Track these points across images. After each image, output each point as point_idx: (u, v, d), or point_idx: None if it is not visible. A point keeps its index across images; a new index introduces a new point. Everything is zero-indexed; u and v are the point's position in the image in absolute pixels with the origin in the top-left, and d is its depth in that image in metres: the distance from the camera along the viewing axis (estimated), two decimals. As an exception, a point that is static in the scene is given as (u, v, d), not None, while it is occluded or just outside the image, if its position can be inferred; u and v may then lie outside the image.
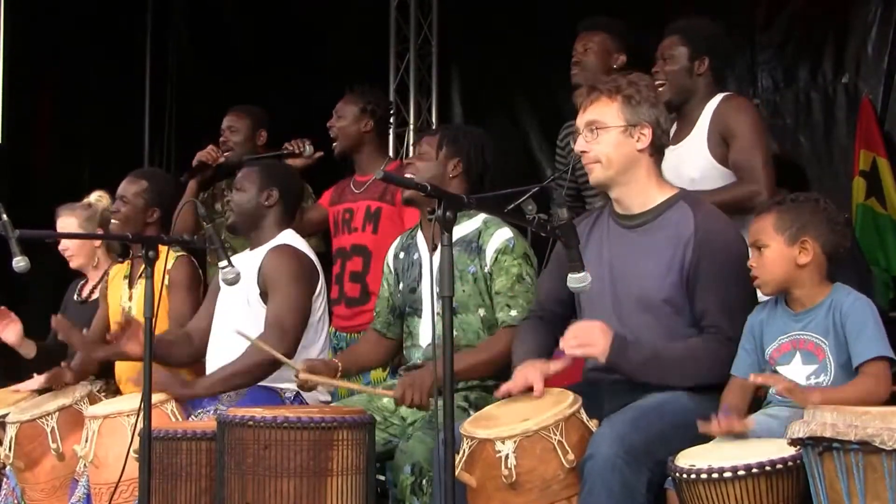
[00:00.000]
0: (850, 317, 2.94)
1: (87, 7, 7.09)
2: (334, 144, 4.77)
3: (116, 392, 4.46)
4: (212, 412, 3.85)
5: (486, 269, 3.64)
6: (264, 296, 3.97)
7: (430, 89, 7.43)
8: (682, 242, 3.13)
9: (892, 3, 5.64)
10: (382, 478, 3.82)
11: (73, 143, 7.31)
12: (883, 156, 5.55)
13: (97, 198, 4.90)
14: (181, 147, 7.36)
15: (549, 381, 3.21)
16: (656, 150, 3.22)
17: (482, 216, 3.73)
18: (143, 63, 7.73)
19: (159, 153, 7.75)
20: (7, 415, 4.29)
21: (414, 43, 7.36)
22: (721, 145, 3.86)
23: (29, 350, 4.69)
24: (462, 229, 3.69)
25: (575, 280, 2.89)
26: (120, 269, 4.58)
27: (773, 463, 2.69)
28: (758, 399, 3.12)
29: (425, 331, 3.75)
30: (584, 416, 2.99)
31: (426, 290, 3.77)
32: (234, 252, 4.22)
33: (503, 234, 3.66)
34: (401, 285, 3.89)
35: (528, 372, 3.13)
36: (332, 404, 3.97)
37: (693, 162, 3.84)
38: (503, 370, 3.53)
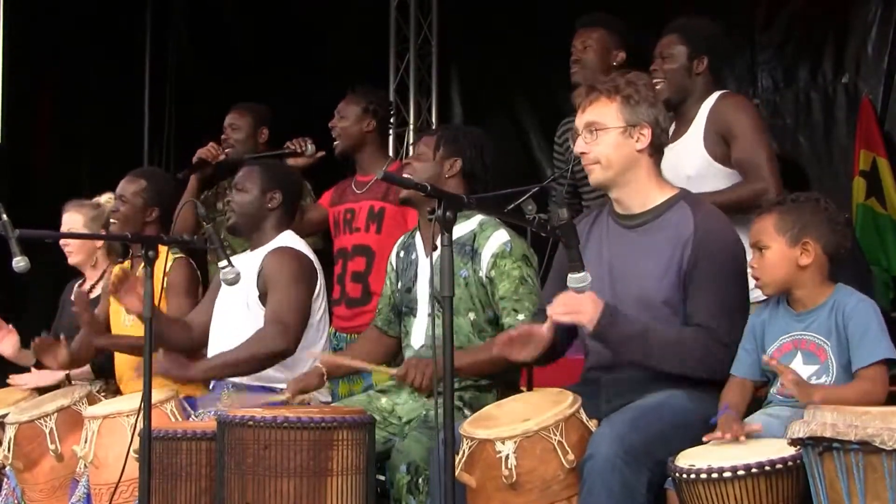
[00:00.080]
0: (853, 319, 2.93)
1: (87, 7, 7.09)
2: (336, 144, 4.76)
3: (116, 392, 4.47)
4: (212, 412, 3.85)
5: (480, 274, 3.62)
6: (263, 298, 3.97)
7: (429, 89, 7.43)
8: (682, 242, 3.13)
9: (892, 3, 5.64)
10: (382, 478, 3.82)
11: (72, 142, 7.31)
12: (883, 156, 5.55)
13: (107, 199, 4.90)
14: (181, 147, 7.35)
15: (550, 382, 3.21)
16: (656, 150, 3.22)
17: (478, 218, 3.71)
18: (143, 63, 7.72)
19: (159, 153, 7.74)
20: (6, 415, 4.29)
21: (414, 43, 7.36)
22: (718, 143, 3.86)
23: (27, 360, 4.70)
24: (456, 231, 3.66)
25: (575, 280, 2.90)
26: (120, 269, 4.57)
27: (772, 463, 2.69)
28: (758, 399, 3.12)
29: (418, 331, 3.75)
30: (583, 416, 2.99)
31: (421, 291, 3.77)
32: (234, 252, 4.22)
33: (500, 238, 3.64)
34: (399, 284, 3.89)
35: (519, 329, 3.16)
36: (332, 404, 3.97)
37: (689, 160, 3.83)
38: (504, 371, 3.54)
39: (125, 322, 4.40)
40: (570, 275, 2.90)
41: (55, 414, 4.16)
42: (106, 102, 7.32)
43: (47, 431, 4.12)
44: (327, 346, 4.16)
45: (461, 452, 2.97)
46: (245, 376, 3.92)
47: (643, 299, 3.14)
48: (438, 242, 2.71)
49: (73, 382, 4.62)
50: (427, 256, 3.77)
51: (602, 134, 3.18)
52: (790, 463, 2.68)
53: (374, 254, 4.56)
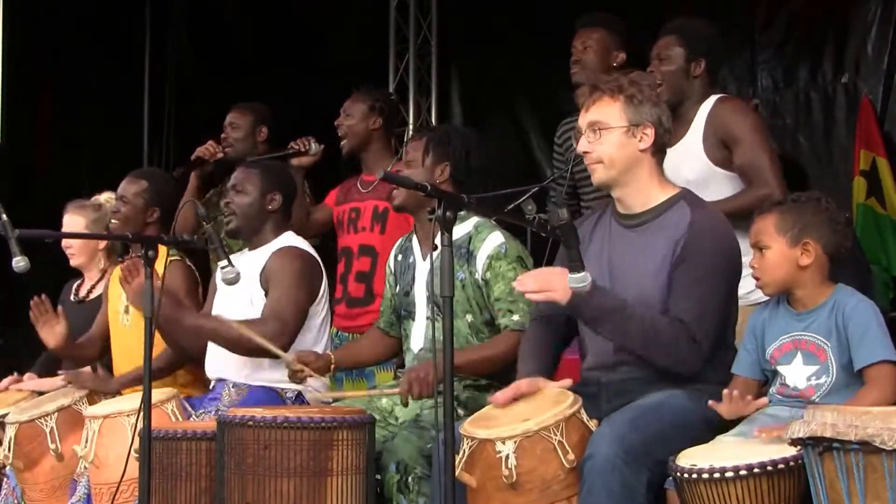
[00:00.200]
0: (853, 319, 2.94)
1: (87, 7, 7.09)
2: (342, 143, 4.75)
3: (116, 392, 4.46)
4: (212, 412, 3.85)
5: (476, 276, 3.63)
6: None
7: (429, 89, 7.42)
8: (676, 240, 3.12)
9: (891, 3, 5.64)
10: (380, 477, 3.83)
11: (72, 142, 7.31)
12: (882, 156, 5.54)
13: (106, 198, 4.89)
14: (181, 147, 7.33)
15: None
16: (658, 150, 3.22)
17: (473, 220, 3.72)
18: (143, 63, 7.71)
19: (159, 153, 7.74)
20: (6, 415, 4.29)
21: (413, 43, 7.35)
22: (718, 148, 3.86)
23: (51, 385, 4.64)
24: (453, 234, 3.67)
25: (575, 280, 2.89)
26: (119, 270, 4.57)
27: (774, 463, 2.69)
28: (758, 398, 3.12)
29: (417, 334, 3.76)
30: (584, 416, 2.99)
31: (419, 294, 3.78)
32: (232, 251, 4.21)
33: (494, 240, 3.65)
34: (397, 288, 3.89)
35: (524, 384, 3.14)
36: (332, 404, 3.97)
37: (689, 164, 3.83)
38: (502, 371, 3.53)
39: (123, 323, 4.41)
40: (569, 275, 2.90)
41: (55, 413, 4.16)
42: (106, 102, 7.31)
43: (48, 431, 4.12)
44: (328, 347, 4.16)
45: (461, 452, 2.97)
46: (226, 349, 3.91)
47: (642, 299, 3.14)
48: (438, 242, 2.71)
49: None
50: (424, 259, 3.78)
51: (605, 133, 3.18)
52: (792, 463, 2.69)
53: (378, 254, 4.56)
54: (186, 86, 7.75)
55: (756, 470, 2.69)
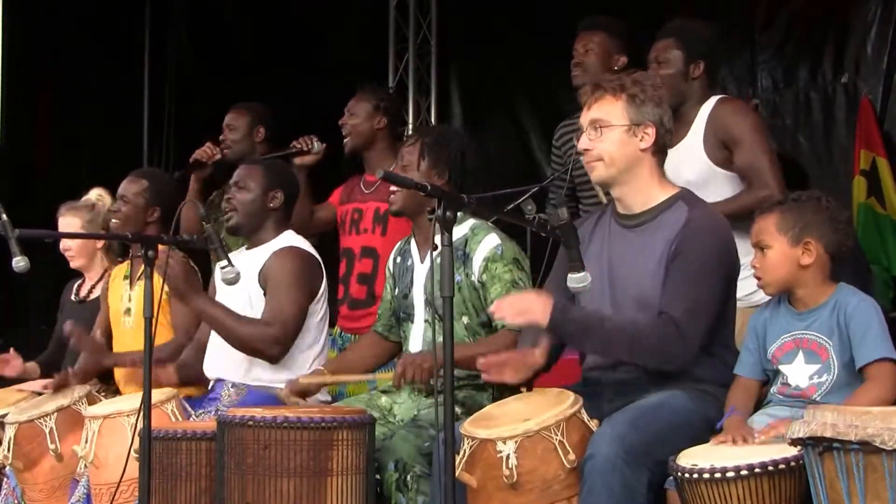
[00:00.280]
0: (854, 318, 2.94)
1: (87, 7, 7.09)
2: (346, 142, 4.74)
3: (116, 392, 4.46)
4: (212, 412, 3.85)
5: (473, 278, 3.63)
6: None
7: (429, 89, 7.42)
8: (672, 238, 3.12)
9: (891, 2, 5.64)
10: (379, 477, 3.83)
11: (72, 142, 7.31)
12: (882, 156, 5.55)
13: (97, 196, 4.89)
14: (180, 147, 7.34)
15: (549, 382, 3.21)
16: (659, 150, 3.21)
17: (469, 223, 3.72)
18: (143, 63, 7.72)
19: (159, 153, 7.74)
20: (6, 415, 4.29)
21: (413, 43, 7.35)
22: (719, 148, 3.86)
23: (32, 373, 4.71)
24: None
25: (575, 280, 2.89)
26: (120, 270, 4.58)
27: (775, 463, 2.69)
28: (758, 399, 3.12)
29: (416, 336, 3.76)
30: (584, 416, 2.99)
31: (417, 296, 3.78)
32: (230, 251, 4.21)
33: (490, 242, 3.65)
34: (396, 290, 3.89)
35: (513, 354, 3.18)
36: (332, 404, 3.97)
37: (690, 165, 3.83)
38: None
39: (125, 324, 4.41)
40: (569, 275, 2.90)
41: (55, 414, 4.15)
42: (106, 102, 7.32)
43: (47, 431, 4.12)
44: (327, 346, 4.16)
45: (462, 452, 2.97)
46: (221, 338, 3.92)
47: (641, 299, 3.14)
48: (438, 242, 2.71)
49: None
50: (422, 262, 3.78)
51: (606, 131, 3.17)
52: (792, 463, 2.69)
53: (379, 256, 4.56)
54: (186, 86, 7.75)
55: (757, 470, 2.69)
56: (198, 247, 3.96)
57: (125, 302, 4.42)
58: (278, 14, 7.47)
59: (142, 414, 3.31)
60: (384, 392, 3.82)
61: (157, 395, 3.71)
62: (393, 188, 3.80)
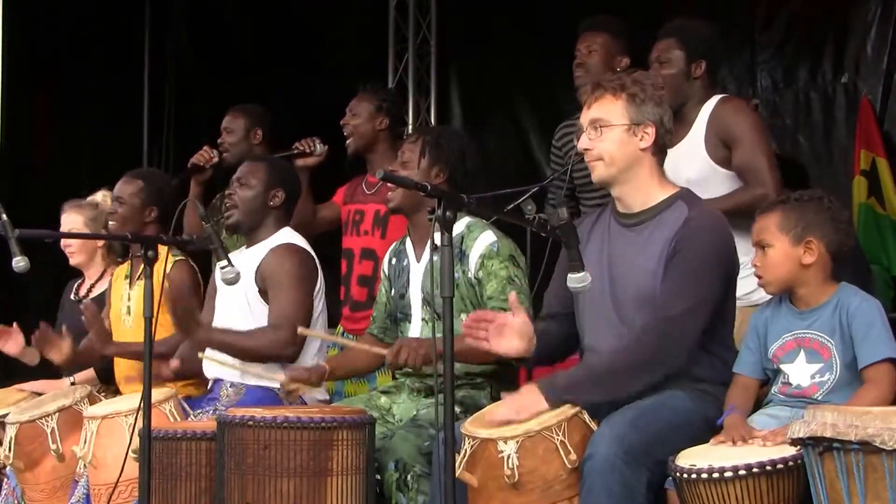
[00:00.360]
0: (856, 317, 2.94)
1: (87, 7, 7.09)
2: (348, 143, 4.74)
3: (116, 393, 4.46)
4: (211, 412, 3.85)
5: (469, 275, 3.63)
6: (263, 294, 3.96)
7: (428, 89, 7.42)
8: (671, 237, 3.12)
9: (891, 2, 5.64)
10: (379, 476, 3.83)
11: (72, 143, 7.31)
12: (882, 156, 5.55)
13: (103, 197, 4.89)
14: (181, 147, 7.35)
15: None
16: (659, 150, 3.21)
17: (465, 220, 3.71)
18: (143, 63, 7.72)
19: (158, 153, 7.74)
20: (7, 415, 4.29)
21: (413, 43, 7.35)
22: (720, 147, 3.86)
23: (32, 358, 4.69)
24: None
25: (575, 280, 2.89)
26: (121, 270, 4.58)
27: (774, 463, 2.69)
28: (758, 399, 3.12)
29: (414, 336, 3.75)
30: (586, 416, 2.99)
31: (414, 296, 3.78)
32: (229, 250, 4.20)
33: (486, 239, 3.65)
34: (392, 291, 3.89)
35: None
36: (332, 404, 3.97)
37: (690, 163, 3.83)
38: (499, 365, 3.53)
39: (125, 324, 4.41)
40: (569, 275, 2.90)
41: (56, 414, 4.15)
42: (106, 102, 7.31)
43: (48, 431, 4.12)
44: (324, 343, 4.15)
45: (463, 452, 2.97)
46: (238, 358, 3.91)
47: (641, 298, 3.14)
48: (438, 242, 2.71)
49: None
50: (418, 262, 3.78)
51: (606, 131, 3.17)
52: (791, 463, 2.69)
53: (379, 258, 4.55)
54: (186, 86, 7.75)
55: (755, 470, 2.69)
56: (198, 247, 3.96)
57: (125, 302, 4.42)
58: (278, 14, 7.47)
59: (141, 414, 3.31)
60: (384, 392, 3.82)
61: (156, 395, 3.70)
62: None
